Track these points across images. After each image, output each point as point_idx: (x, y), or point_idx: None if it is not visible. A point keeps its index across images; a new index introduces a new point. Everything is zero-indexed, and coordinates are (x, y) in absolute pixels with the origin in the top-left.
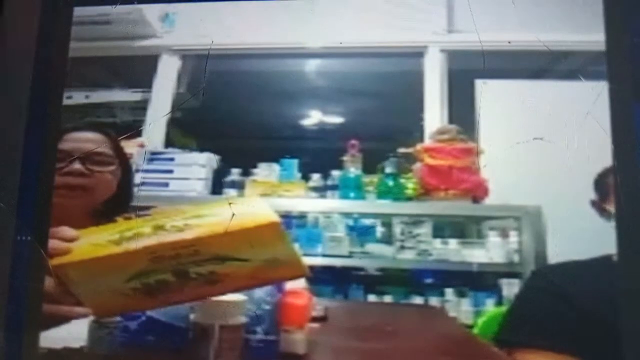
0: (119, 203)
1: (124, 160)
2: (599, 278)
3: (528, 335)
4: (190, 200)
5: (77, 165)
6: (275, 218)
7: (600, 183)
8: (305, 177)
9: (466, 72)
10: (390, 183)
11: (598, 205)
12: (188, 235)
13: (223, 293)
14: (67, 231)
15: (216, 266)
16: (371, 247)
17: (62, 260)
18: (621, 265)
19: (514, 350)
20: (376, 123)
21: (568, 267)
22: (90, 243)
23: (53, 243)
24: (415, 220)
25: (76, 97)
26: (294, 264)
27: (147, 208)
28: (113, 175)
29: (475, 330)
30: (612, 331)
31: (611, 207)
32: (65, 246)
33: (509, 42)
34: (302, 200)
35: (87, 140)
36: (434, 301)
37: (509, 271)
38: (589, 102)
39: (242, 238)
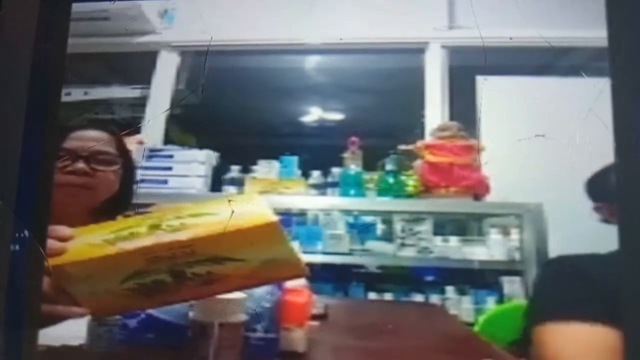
0: (120, 202)
1: (127, 160)
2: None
3: (558, 309)
4: (189, 198)
5: (80, 164)
6: (273, 218)
7: (602, 186)
8: (305, 174)
9: (467, 68)
10: (391, 180)
11: (606, 210)
12: (184, 235)
13: (220, 293)
14: (62, 230)
15: (213, 266)
16: (371, 244)
17: (57, 261)
18: (623, 265)
19: (542, 328)
20: (376, 120)
21: (584, 256)
22: (85, 243)
23: (48, 242)
24: (416, 218)
25: (75, 94)
26: (293, 263)
27: (147, 205)
28: (115, 174)
29: (476, 328)
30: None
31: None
32: (60, 246)
33: (511, 39)
34: (302, 197)
35: (92, 139)
36: (434, 299)
37: (510, 269)
38: (591, 98)
39: (239, 239)
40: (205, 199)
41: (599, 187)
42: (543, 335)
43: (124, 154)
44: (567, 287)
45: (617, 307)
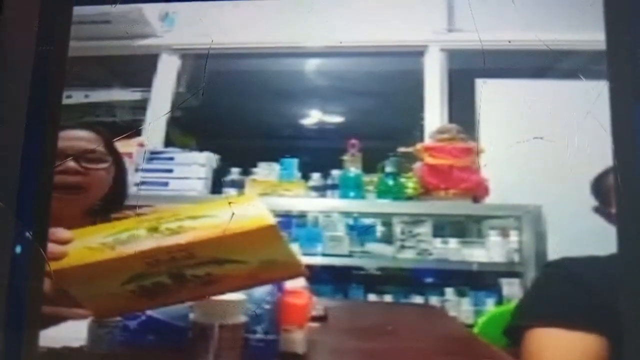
0: (113, 201)
1: (117, 158)
2: (615, 270)
3: (545, 315)
4: (190, 200)
5: (71, 164)
6: (271, 220)
7: (598, 187)
8: (305, 177)
9: (466, 71)
10: (390, 182)
11: (602, 211)
12: (183, 239)
13: (221, 293)
14: (62, 233)
15: (213, 268)
16: (371, 246)
17: (58, 265)
18: (622, 266)
19: (529, 333)
20: (376, 122)
21: (584, 259)
22: (84, 246)
23: (49, 246)
24: (416, 220)
25: (76, 97)
26: (291, 264)
27: (142, 207)
28: (107, 172)
29: (476, 330)
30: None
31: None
32: (61, 250)
33: (509, 41)
34: (302, 199)
35: (79, 138)
36: (434, 301)
37: (509, 271)
38: (589, 101)
39: (238, 242)
40: (204, 201)
41: (596, 188)
42: (528, 337)
43: (113, 152)
44: (558, 291)
45: (607, 315)
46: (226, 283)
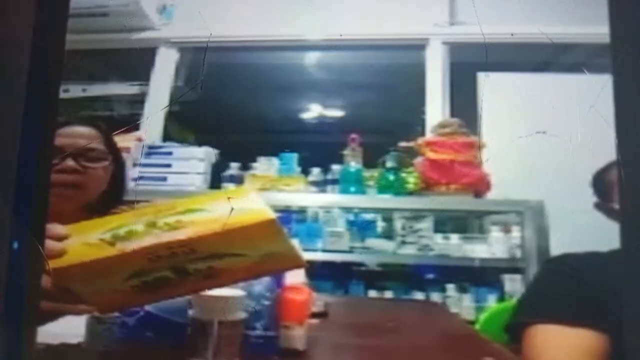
0: (111, 198)
1: (116, 156)
2: (616, 267)
3: (546, 311)
4: (188, 195)
5: (70, 162)
6: (271, 215)
7: (598, 183)
8: (305, 172)
9: (468, 64)
10: (391, 177)
11: (602, 207)
12: (183, 234)
13: (224, 285)
14: (58, 229)
15: (214, 262)
16: (372, 242)
17: (58, 264)
18: (625, 262)
19: (530, 330)
20: (377, 116)
21: (586, 255)
22: (83, 242)
23: (46, 243)
24: (417, 215)
25: (73, 90)
26: (291, 256)
27: (140, 203)
28: (105, 171)
29: (477, 326)
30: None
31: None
32: (59, 247)
33: (512, 35)
34: (301, 194)
35: (80, 135)
36: (435, 297)
37: (511, 266)
38: (592, 95)
39: (238, 236)
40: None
41: (596, 184)
42: (529, 334)
43: (113, 149)
44: (560, 288)
45: (608, 311)
46: (228, 275)
